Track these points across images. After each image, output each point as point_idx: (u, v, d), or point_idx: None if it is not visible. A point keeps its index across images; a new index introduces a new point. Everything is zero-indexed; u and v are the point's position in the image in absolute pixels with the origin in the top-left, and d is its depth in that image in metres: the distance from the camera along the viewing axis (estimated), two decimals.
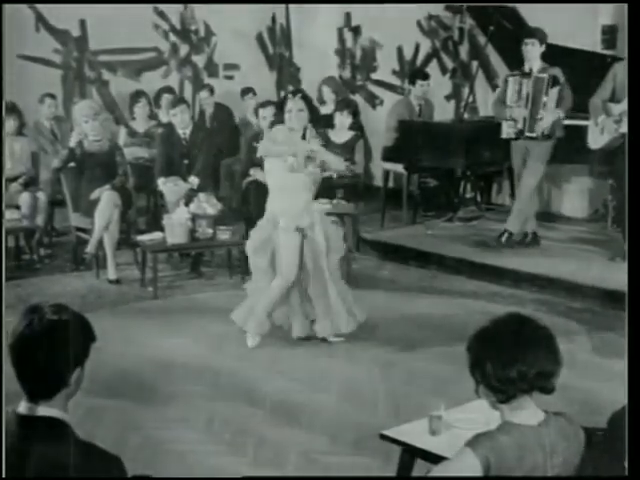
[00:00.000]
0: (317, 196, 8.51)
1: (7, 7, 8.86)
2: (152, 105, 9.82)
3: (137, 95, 9.72)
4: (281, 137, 6.16)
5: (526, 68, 7.97)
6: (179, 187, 8.22)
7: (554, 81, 7.83)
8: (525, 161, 8.10)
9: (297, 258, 6.16)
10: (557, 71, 7.89)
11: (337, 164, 6.48)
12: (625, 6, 5.17)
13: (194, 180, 8.28)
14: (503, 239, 8.24)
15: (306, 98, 6.33)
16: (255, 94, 10.16)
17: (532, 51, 7.90)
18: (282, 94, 9.68)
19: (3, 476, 2.38)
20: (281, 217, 6.14)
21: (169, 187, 8.23)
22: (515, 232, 8.24)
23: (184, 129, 8.43)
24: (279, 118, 6.34)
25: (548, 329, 2.71)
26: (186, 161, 8.40)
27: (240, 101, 10.31)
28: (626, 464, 2.75)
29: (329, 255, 6.25)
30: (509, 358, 2.62)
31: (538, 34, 7.90)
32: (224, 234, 7.61)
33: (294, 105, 6.18)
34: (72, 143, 8.01)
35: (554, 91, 7.85)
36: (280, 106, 6.44)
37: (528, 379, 2.63)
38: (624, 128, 7.22)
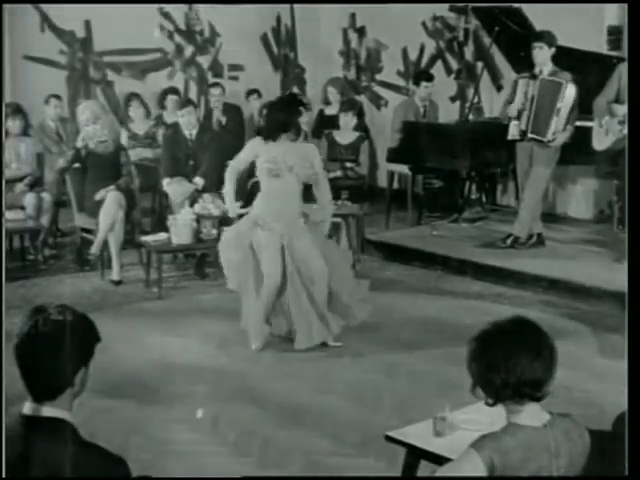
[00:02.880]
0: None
1: (13, 8, 8.90)
2: (147, 106, 9.82)
3: (129, 98, 9.75)
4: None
5: (536, 71, 7.95)
6: (184, 188, 8.22)
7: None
8: (531, 164, 8.08)
9: (279, 259, 6.10)
10: (567, 75, 7.84)
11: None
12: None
13: (199, 181, 8.27)
14: (508, 242, 8.24)
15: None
16: (260, 95, 10.20)
17: (541, 54, 7.86)
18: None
19: (3, 476, 2.38)
20: (261, 219, 6.16)
21: (174, 188, 8.23)
22: (521, 237, 8.23)
23: (190, 130, 8.43)
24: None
25: (548, 337, 2.67)
26: (192, 162, 8.39)
27: (245, 102, 10.32)
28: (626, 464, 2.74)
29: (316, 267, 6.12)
30: (493, 363, 2.60)
31: (547, 37, 7.86)
32: None
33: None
34: (78, 144, 8.02)
35: (570, 98, 7.80)
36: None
37: (511, 386, 2.60)
38: None
